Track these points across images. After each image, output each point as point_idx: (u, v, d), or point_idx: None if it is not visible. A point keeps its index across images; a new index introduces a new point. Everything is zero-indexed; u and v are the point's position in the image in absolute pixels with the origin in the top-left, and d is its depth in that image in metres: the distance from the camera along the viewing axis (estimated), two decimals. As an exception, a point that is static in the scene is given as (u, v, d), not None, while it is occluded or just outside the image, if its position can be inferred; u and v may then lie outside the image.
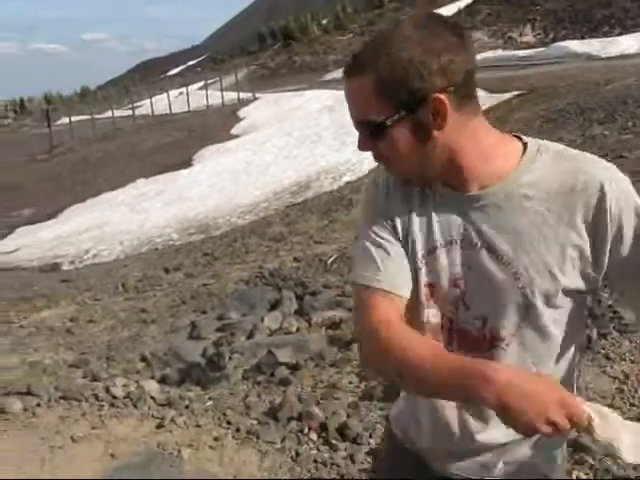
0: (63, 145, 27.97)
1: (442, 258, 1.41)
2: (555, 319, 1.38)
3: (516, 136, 1.43)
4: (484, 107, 18.18)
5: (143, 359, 5.48)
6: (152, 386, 4.87)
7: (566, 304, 1.39)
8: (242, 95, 33.08)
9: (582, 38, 33.05)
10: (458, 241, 1.40)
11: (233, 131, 25.08)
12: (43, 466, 3.92)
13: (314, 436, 3.88)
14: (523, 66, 27.41)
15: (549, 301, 1.36)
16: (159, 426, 4.25)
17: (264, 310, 6.30)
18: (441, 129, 1.32)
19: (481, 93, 20.98)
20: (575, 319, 1.44)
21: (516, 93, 18.94)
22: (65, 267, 13.14)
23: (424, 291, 1.43)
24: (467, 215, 1.39)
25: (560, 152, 1.38)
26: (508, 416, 1.14)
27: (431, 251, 1.42)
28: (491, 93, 19.96)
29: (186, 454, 3.87)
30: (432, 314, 1.45)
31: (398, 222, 1.44)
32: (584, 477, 3.22)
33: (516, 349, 1.41)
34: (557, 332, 1.42)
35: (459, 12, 46.76)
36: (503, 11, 44.34)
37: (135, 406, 4.55)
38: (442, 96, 1.28)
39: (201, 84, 39.62)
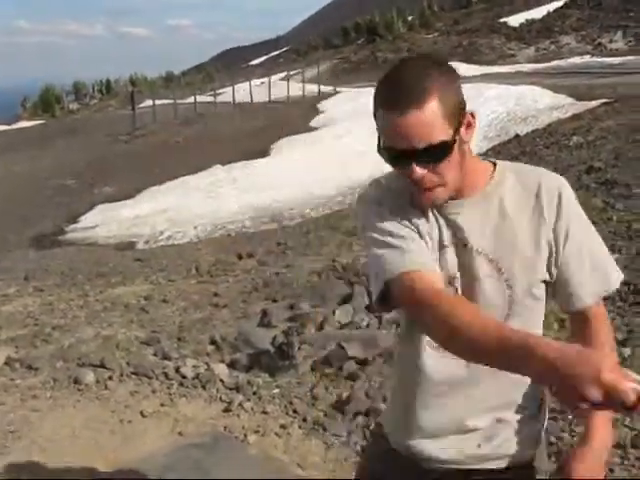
0: (145, 127, 28.50)
1: (441, 260, 1.61)
2: (533, 309, 1.64)
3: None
4: (568, 114, 17.88)
5: (213, 342, 5.54)
6: (221, 369, 4.92)
7: (541, 296, 1.64)
8: (323, 88, 33.13)
9: (676, 48, 31.99)
10: (451, 244, 1.61)
11: (312, 123, 25.15)
12: (113, 437, 4.01)
13: (380, 433, 3.85)
14: (612, 74, 26.62)
15: (529, 293, 1.60)
16: (226, 409, 4.30)
17: (335, 303, 6.29)
18: (468, 142, 1.56)
19: (567, 100, 20.51)
20: (540, 314, 1.68)
21: (603, 101, 18.39)
22: (140, 246, 13.41)
23: None
24: (457, 220, 1.60)
25: (519, 167, 1.66)
26: (550, 390, 1.20)
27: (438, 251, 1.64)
28: (577, 100, 19.48)
29: (252, 439, 3.90)
30: None
31: (410, 222, 1.60)
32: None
33: None
34: (535, 325, 1.66)
35: (548, 15, 45.72)
36: (594, 16, 43.16)
37: (204, 388, 4.62)
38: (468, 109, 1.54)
39: (283, 75, 39.87)
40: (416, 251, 1.54)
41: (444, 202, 1.58)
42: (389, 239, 1.56)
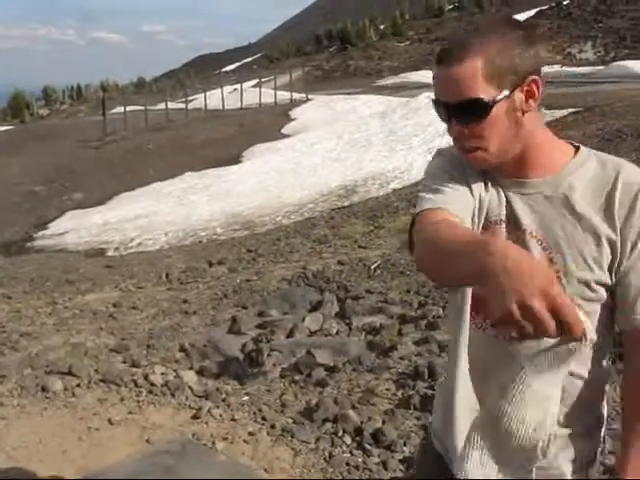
0: (116, 133, 28.31)
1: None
2: (587, 312, 1.36)
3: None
4: (538, 123, 18.10)
5: (182, 349, 5.53)
6: (190, 377, 4.92)
7: (595, 298, 1.44)
8: (295, 95, 33.20)
9: (644, 59, 32.50)
10: (504, 222, 1.48)
11: (284, 130, 25.18)
12: (80, 445, 3.99)
13: (348, 439, 3.89)
14: (581, 83, 27.00)
15: (579, 291, 1.42)
16: (195, 417, 4.30)
17: (305, 310, 6.32)
18: (528, 112, 1.43)
19: (536, 109, 20.93)
20: (605, 319, 1.48)
21: (572, 110, 18.64)
22: (110, 253, 13.33)
23: None
24: (516, 199, 1.49)
25: (605, 156, 1.50)
26: (486, 289, 1.09)
27: (483, 227, 1.50)
28: (547, 109, 19.71)
29: (220, 446, 3.91)
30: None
31: (467, 182, 1.50)
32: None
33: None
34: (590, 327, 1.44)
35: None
36: (564, 26, 43.83)
37: (173, 395, 4.61)
38: (537, 77, 1.42)
39: (255, 82, 39.84)
40: (452, 195, 1.45)
41: (491, 168, 1.49)
42: (435, 185, 1.49)
